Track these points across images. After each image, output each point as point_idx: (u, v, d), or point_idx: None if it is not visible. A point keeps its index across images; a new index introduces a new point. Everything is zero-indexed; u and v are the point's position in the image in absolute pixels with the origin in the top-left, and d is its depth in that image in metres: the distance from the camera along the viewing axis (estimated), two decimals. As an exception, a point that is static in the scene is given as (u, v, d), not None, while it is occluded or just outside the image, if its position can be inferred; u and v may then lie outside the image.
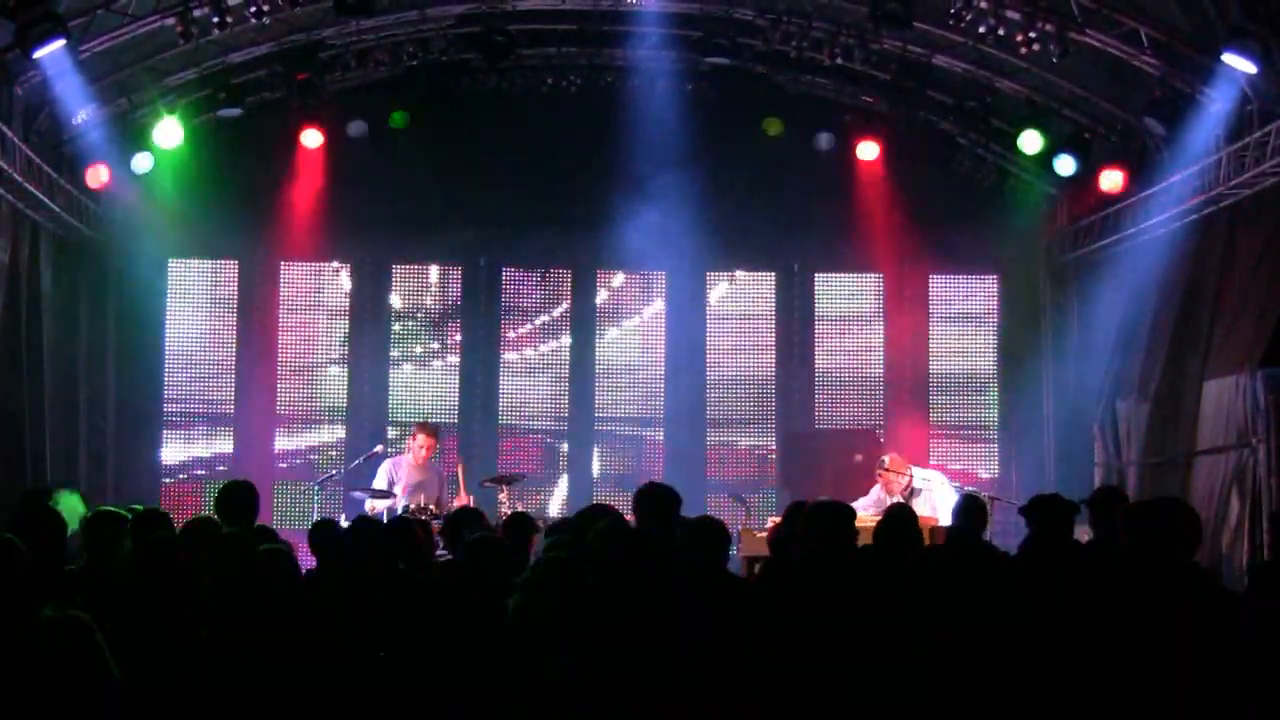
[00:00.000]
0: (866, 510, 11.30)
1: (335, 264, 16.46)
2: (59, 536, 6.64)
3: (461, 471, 12.96)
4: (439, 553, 8.91)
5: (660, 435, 16.55)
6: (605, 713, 4.97)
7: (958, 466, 16.08)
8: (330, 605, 6.07)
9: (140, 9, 12.58)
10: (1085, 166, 14.61)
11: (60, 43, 11.51)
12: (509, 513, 10.21)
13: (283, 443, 16.19)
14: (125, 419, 15.42)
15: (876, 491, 12.13)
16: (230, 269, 16.29)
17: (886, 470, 12.25)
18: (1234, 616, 5.33)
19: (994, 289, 16.77)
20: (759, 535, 11.14)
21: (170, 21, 12.60)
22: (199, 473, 15.94)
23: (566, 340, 16.62)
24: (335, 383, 16.40)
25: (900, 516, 7.40)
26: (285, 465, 16.11)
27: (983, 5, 12.60)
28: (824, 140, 15.74)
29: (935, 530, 10.90)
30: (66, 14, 11.71)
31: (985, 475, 16.29)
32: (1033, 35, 12.58)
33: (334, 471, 14.31)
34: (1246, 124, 12.14)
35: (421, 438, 12.61)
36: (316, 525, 8.20)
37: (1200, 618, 5.18)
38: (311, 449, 16.23)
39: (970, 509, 8.42)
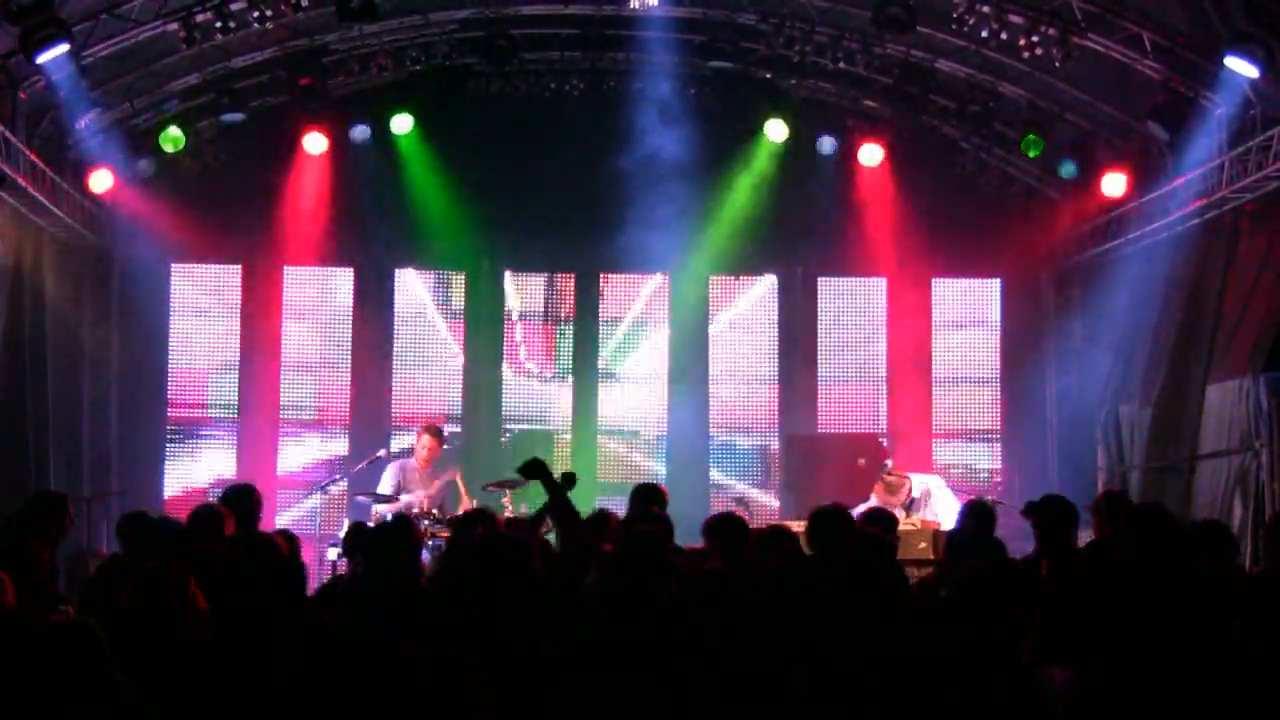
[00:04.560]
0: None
1: (338, 268, 16.46)
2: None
3: (459, 479, 12.91)
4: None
5: (663, 438, 16.54)
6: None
7: (960, 470, 16.08)
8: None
9: (143, 14, 12.60)
10: (1088, 171, 14.62)
11: (64, 48, 11.52)
12: (509, 518, 10.22)
13: (286, 447, 16.20)
14: (128, 423, 15.43)
15: (873, 501, 12.06)
16: (233, 273, 16.30)
17: (886, 477, 12.22)
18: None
19: (997, 293, 16.76)
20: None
21: (173, 27, 12.65)
22: (202, 477, 15.93)
23: (570, 344, 16.62)
24: (339, 387, 16.40)
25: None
26: (288, 470, 16.11)
27: (985, 10, 12.62)
28: (827, 144, 15.71)
29: (938, 534, 10.90)
30: (70, 19, 11.72)
31: (988, 479, 16.28)
32: (1035, 40, 12.60)
33: (337, 476, 14.33)
34: (1249, 128, 12.15)
35: (426, 439, 12.63)
36: (352, 529, 8.16)
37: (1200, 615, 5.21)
38: (315, 453, 16.23)
39: (977, 513, 8.38)
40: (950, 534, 8.01)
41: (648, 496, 8.45)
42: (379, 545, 6.96)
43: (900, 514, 11.87)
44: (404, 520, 7.75)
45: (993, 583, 5.01)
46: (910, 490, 12.14)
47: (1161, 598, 5.37)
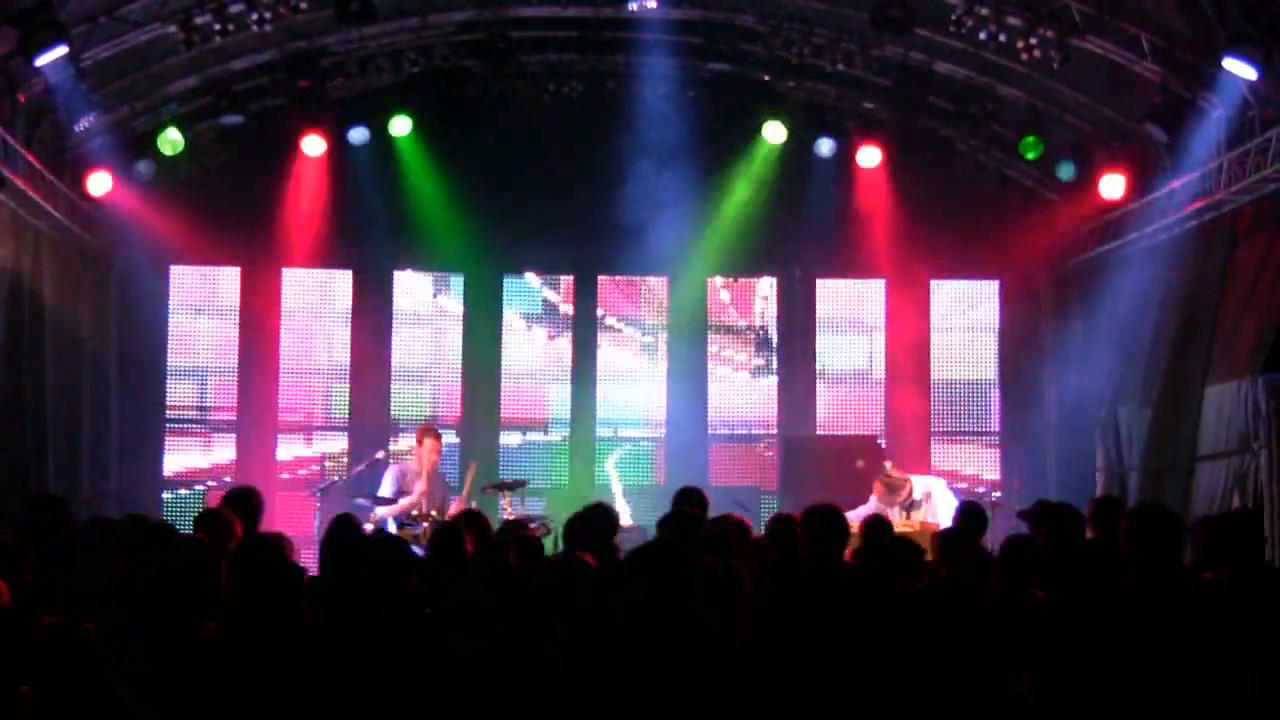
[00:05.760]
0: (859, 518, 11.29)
1: (337, 270, 16.47)
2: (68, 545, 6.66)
3: (471, 475, 12.89)
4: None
5: (662, 440, 16.55)
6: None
7: (959, 472, 16.09)
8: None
9: (142, 16, 12.61)
10: (1086, 172, 14.63)
11: (62, 50, 11.52)
12: (508, 519, 10.21)
13: (285, 449, 16.21)
14: (127, 426, 15.42)
15: (873, 502, 12.08)
16: (232, 276, 16.31)
17: (885, 478, 12.22)
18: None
19: (995, 294, 16.79)
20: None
21: (172, 29, 12.64)
22: (201, 480, 15.94)
23: (569, 345, 16.63)
24: (338, 389, 16.41)
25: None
26: (288, 472, 16.11)
27: (983, 12, 12.62)
28: (826, 146, 15.71)
29: (937, 536, 10.88)
30: (69, 21, 11.73)
31: (987, 480, 16.29)
32: (1033, 41, 12.60)
33: (336, 478, 14.32)
34: (1248, 130, 12.15)
35: (428, 442, 12.57)
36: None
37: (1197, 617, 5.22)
38: (314, 455, 16.24)
39: (970, 514, 8.41)
40: (943, 535, 8.01)
41: (686, 500, 8.46)
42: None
43: (900, 514, 11.90)
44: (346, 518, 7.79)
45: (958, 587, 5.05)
46: (911, 491, 12.14)
47: (1152, 600, 5.37)
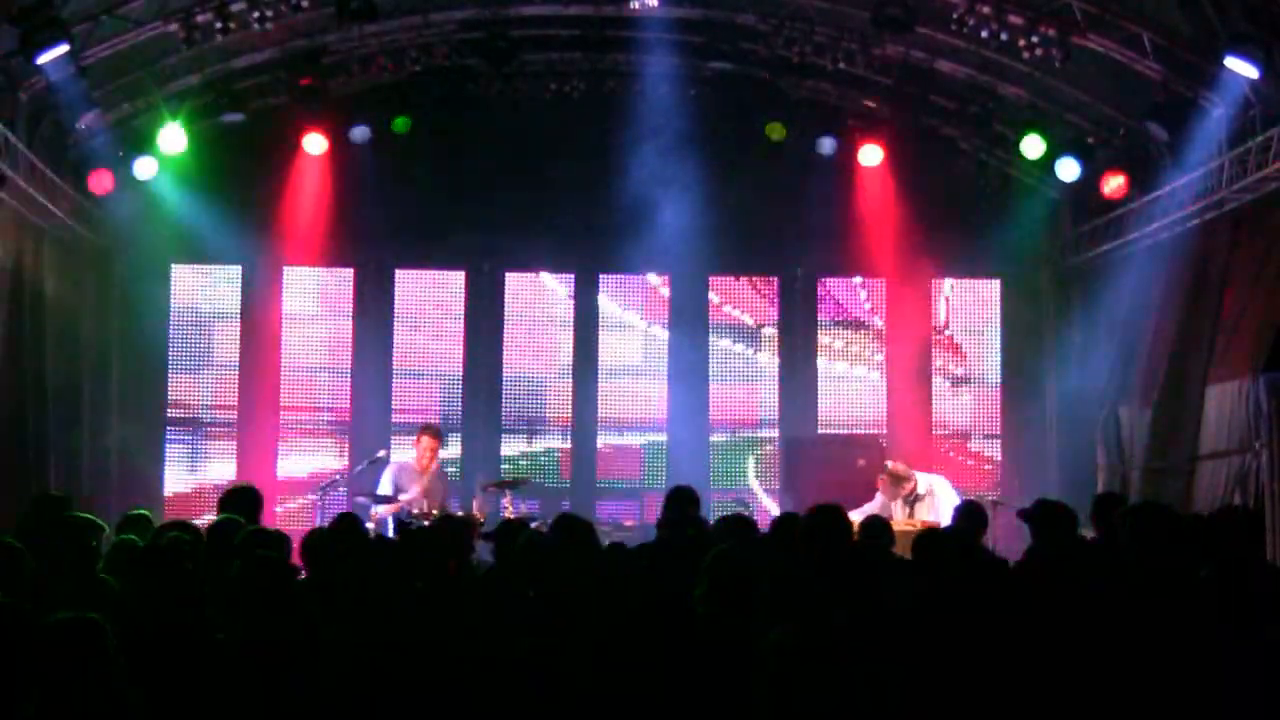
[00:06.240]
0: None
1: (338, 269, 16.47)
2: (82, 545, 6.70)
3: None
4: None
5: (663, 439, 16.54)
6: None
7: (960, 471, 16.07)
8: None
9: (144, 15, 12.62)
10: (1088, 171, 14.61)
11: (64, 48, 11.54)
12: (507, 518, 10.22)
13: (286, 448, 16.20)
14: (128, 425, 15.42)
15: (879, 497, 12.12)
16: (233, 274, 16.31)
17: (888, 475, 12.24)
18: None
19: (997, 293, 16.78)
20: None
21: (173, 27, 12.67)
22: (202, 478, 15.93)
23: (569, 344, 16.62)
24: (338, 388, 16.41)
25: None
26: (288, 470, 16.10)
27: (985, 10, 12.62)
28: (827, 145, 15.70)
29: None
30: (70, 20, 11.74)
31: (987, 479, 16.29)
32: (1035, 40, 12.60)
33: (337, 477, 14.32)
34: (1249, 128, 12.15)
35: (425, 440, 12.62)
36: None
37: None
38: (315, 454, 16.23)
39: (970, 513, 8.41)
40: (943, 533, 8.03)
41: (684, 500, 8.49)
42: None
43: (903, 509, 11.93)
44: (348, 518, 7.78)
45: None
46: (915, 487, 12.18)
47: (1150, 598, 5.37)
